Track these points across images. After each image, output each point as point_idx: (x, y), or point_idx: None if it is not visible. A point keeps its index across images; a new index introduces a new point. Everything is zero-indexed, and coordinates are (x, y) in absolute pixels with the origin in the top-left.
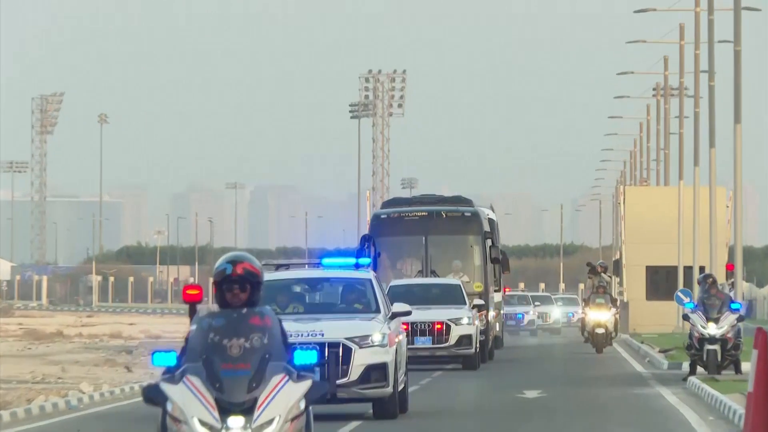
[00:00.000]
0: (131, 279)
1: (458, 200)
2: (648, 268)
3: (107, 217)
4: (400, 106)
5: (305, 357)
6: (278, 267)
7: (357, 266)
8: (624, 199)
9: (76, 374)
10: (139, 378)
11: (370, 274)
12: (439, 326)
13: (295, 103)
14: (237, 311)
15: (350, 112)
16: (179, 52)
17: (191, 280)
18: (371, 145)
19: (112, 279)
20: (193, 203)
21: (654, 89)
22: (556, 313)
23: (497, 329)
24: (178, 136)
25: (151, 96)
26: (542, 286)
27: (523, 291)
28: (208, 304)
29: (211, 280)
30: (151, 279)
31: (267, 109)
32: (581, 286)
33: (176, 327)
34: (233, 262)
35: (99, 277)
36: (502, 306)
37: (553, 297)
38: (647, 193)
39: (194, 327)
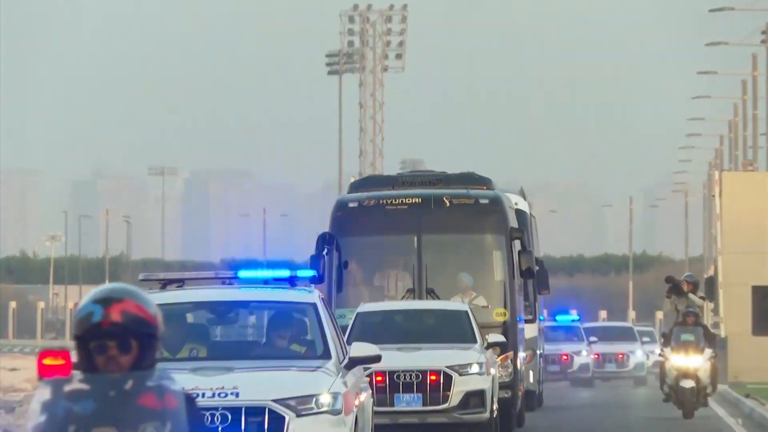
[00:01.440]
0: (13, 305)
1: (469, 179)
2: (755, 289)
3: None
4: (398, 56)
5: None
6: (165, 284)
7: (293, 282)
8: (720, 190)
9: None
10: None
11: (314, 296)
12: (433, 377)
13: (249, 54)
14: (116, 385)
15: (327, 65)
16: None
17: None
18: (358, 113)
19: None
20: (102, 196)
21: (763, 32)
22: (640, 354)
23: (531, 380)
24: (81, 100)
25: (45, 46)
26: (603, 314)
27: (572, 321)
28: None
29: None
30: (41, 304)
31: (208, 63)
32: (659, 314)
33: None
34: (105, 301)
35: None
36: (540, 344)
37: (636, 329)
38: (754, 182)
39: (43, 418)
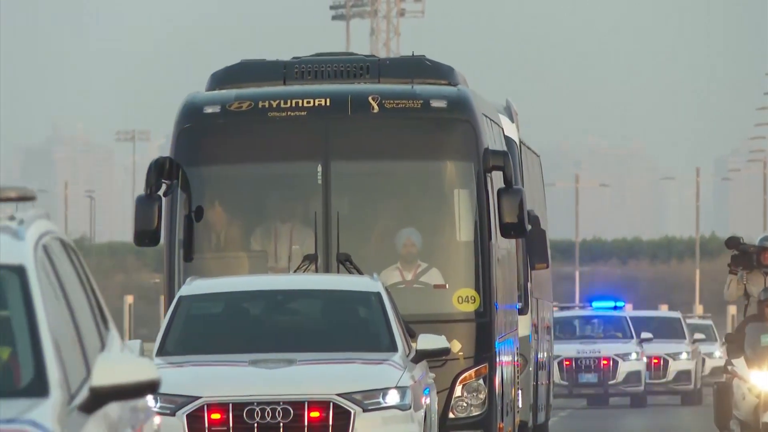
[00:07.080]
0: None
1: (416, 68)
2: None
3: None
4: None
5: None
6: None
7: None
8: None
9: None
10: None
11: (24, 253)
12: (315, 414)
13: None
14: None
15: (332, 9)
16: None
17: None
18: None
19: None
20: (59, 166)
21: None
22: (717, 355)
23: (520, 404)
24: (36, 52)
25: None
26: (663, 309)
27: (615, 308)
28: None
29: None
30: None
31: (189, 9)
32: (732, 309)
33: None
34: None
35: None
36: (536, 346)
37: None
38: None
39: None
